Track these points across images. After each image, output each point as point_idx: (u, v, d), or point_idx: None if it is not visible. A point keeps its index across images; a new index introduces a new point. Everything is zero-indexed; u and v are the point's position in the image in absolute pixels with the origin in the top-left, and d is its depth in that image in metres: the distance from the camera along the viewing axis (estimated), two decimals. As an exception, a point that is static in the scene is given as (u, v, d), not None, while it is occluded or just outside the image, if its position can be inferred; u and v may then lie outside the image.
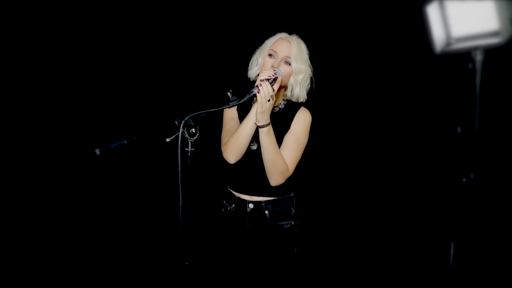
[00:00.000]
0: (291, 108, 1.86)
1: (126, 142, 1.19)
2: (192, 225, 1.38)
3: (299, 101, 1.87)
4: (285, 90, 1.86)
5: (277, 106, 1.86)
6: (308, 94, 1.87)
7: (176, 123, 1.31)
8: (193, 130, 1.31)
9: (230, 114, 1.91)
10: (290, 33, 1.85)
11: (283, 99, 1.89)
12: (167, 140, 1.32)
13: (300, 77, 1.79)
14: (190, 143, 1.32)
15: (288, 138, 1.79)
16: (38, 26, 2.95)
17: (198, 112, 1.35)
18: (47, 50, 2.98)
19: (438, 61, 2.56)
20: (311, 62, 1.85)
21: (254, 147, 1.79)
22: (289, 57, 1.76)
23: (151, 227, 3.17)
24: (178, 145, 1.25)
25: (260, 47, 1.86)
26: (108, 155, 1.13)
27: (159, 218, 3.12)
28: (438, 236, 2.91)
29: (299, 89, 1.81)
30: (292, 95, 1.84)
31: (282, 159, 1.71)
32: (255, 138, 1.77)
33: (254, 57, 1.88)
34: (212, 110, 1.40)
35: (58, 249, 3.00)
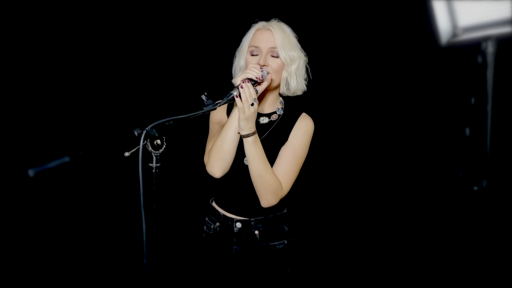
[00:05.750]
0: (290, 114, 1.63)
1: (69, 160, 0.97)
2: (160, 256, 1.18)
3: (298, 94, 1.63)
4: (280, 90, 1.62)
5: (275, 113, 1.63)
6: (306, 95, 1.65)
7: (136, 134, 1.10)
8: (158, 141, 1.10)
9: (218, 117, 1.66)
10: (267, 19, 1.60)
11: (280, 102, 1.66)
12: (126, 154, 1.11)
13: (293, 67, 1.55)
14: (154, 158, 1.12)
15: (285, 151, 1.56)
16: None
17: (163, 120, 1.13)
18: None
19: (443, 55, 2.41)
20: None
21: (247, 162, 1.52)
22: (275, 48, 1.52)
23: (111, 259, 2.71)
24: (139, 160, 1.05)
25: (239, 48, 1.62)
26: (46, 177, 0.91)
27: (119, 249, 2.66)
28: (444, 248, 2.72)
29: (295, 81, 1.58)
30: (289, 90, 1.60)
31: (272, 176, 1.49)
32: None
33: (235, 62, 1.64)
34: (181, 116, 1.18)
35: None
